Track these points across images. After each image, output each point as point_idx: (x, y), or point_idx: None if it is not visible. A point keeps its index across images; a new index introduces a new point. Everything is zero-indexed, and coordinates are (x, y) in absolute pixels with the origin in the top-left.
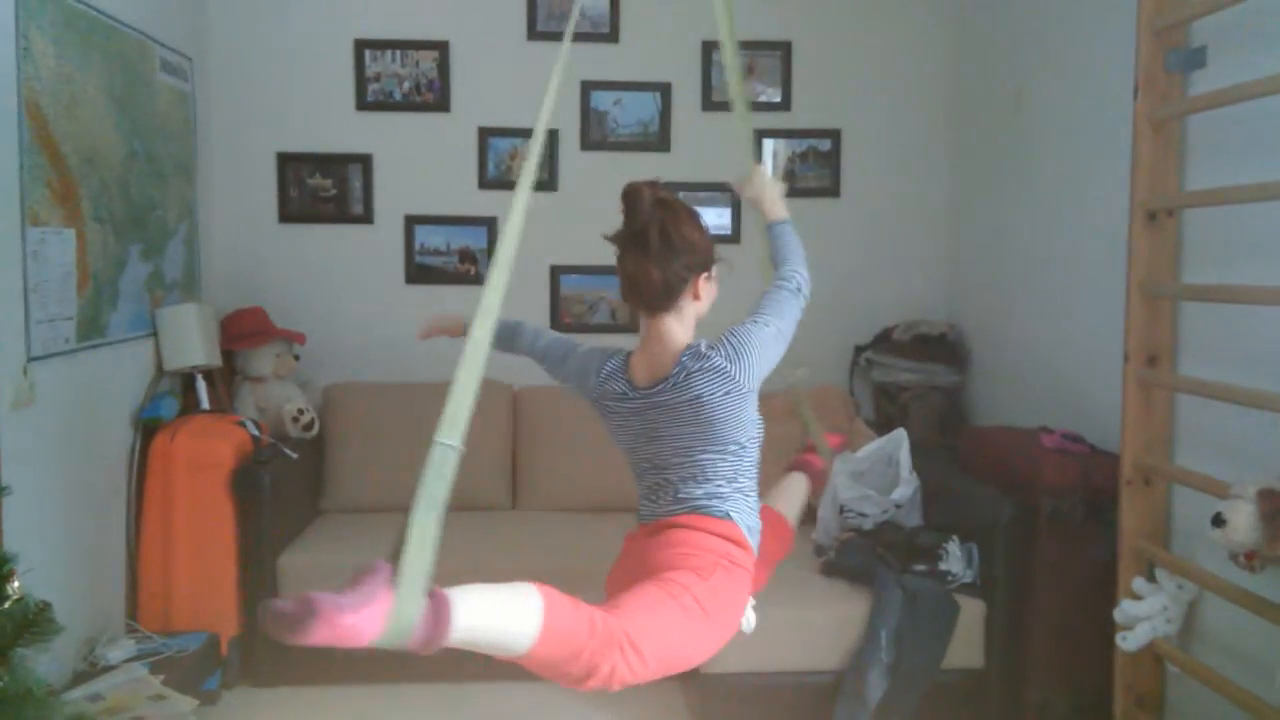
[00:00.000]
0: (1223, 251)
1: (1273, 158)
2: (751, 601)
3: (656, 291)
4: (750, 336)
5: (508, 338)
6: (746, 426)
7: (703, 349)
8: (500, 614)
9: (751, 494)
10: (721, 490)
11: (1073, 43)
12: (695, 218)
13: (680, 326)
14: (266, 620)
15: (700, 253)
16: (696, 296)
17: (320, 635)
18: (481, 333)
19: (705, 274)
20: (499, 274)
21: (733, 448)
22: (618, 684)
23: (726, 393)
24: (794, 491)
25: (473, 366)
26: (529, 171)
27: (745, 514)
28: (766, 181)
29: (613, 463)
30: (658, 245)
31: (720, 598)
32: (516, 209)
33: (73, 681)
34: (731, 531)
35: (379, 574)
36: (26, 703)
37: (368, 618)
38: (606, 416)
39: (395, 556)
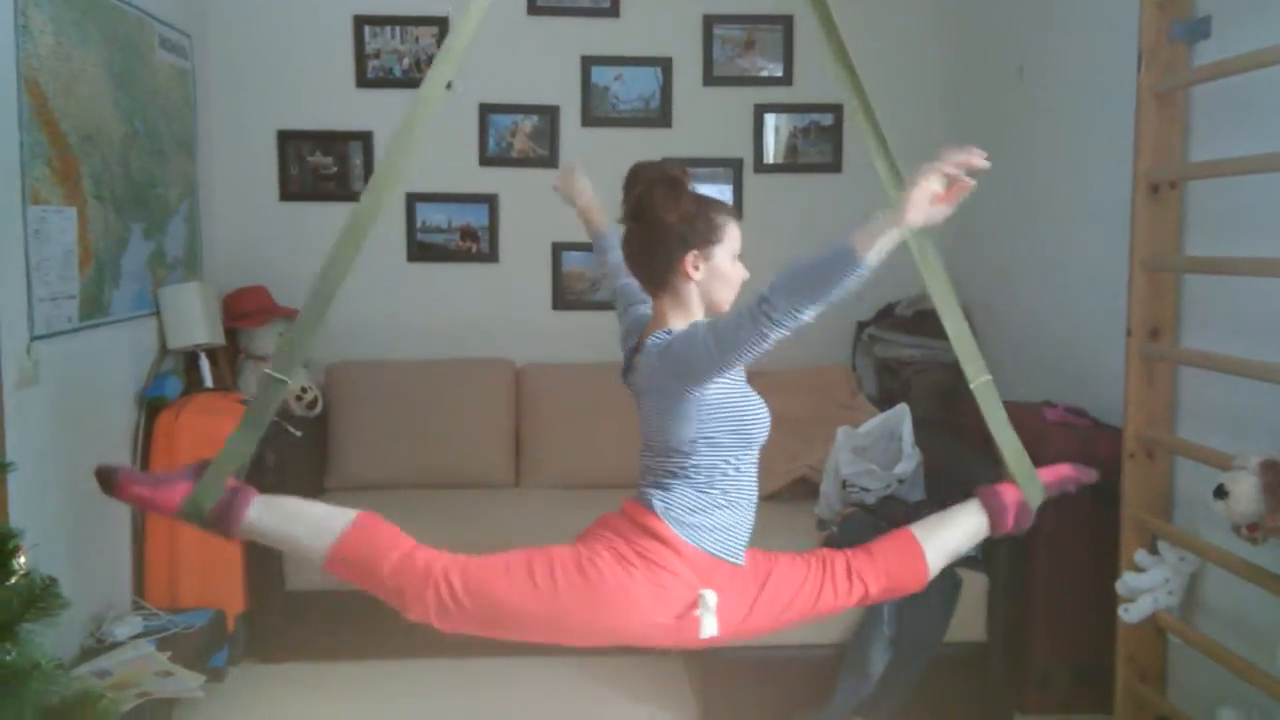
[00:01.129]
0: (1225, 224)
1: (1277, 129)
2: (708, 605)
3: (640, 272)
4: (679, 337)
5: (602, 248)
6: (684, 430)
7: (652, 341)
8: (297, 524)
9: (710, 491)
10: (665, 483)
11: (1075, 14)
12: (673, 192)
13: (677, 310)
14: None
15: (675, 230)
16: (688, 277)
17: (121, 495)
18: (327, 283)
19: (694, 252)
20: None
21: (674, 444)
22: (435, 620)
23: (653, 390)
24: (956, 526)
25: (315, 309)
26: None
27: (686, 512)
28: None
29: (615, 440)
30: (632, 224)
31: (590, 582)
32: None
33: (80, 658)
34: (653, 525)
35: (193, 467)
36: (34, 677)
37: (166, 492)
38: None
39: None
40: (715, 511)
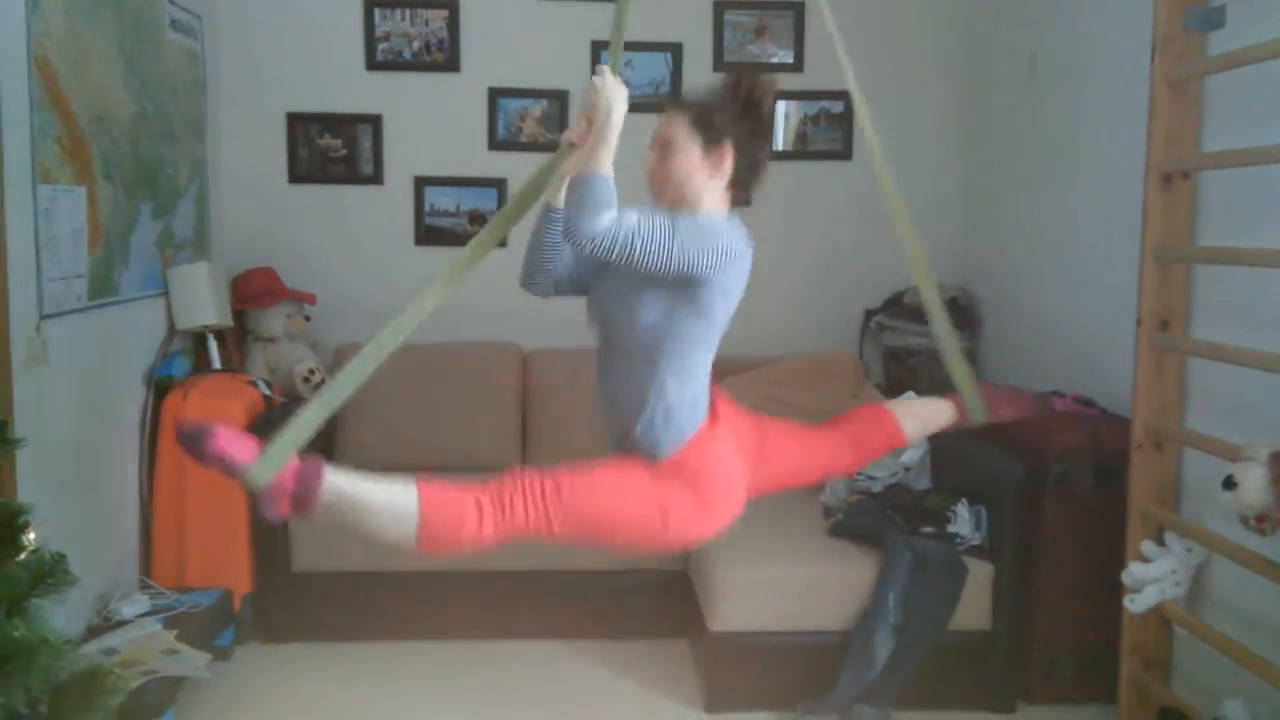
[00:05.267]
0: (1238, 214)
1: None
2: None
3: None
4: None
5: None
6: None
7: None
8: (372, 518)
9: None
10: None
11: (1088, 2)
12: None
13: None
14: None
15: None
16: None
17: (198, 450)
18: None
19: None
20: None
21: None
22: None
23: None
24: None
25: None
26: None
27: None
28: None
29: None
30: None
31: None
32: None
33: (87, 636)
34: None
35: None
36: (42, 652)
37: (240, 449)
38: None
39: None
40: None
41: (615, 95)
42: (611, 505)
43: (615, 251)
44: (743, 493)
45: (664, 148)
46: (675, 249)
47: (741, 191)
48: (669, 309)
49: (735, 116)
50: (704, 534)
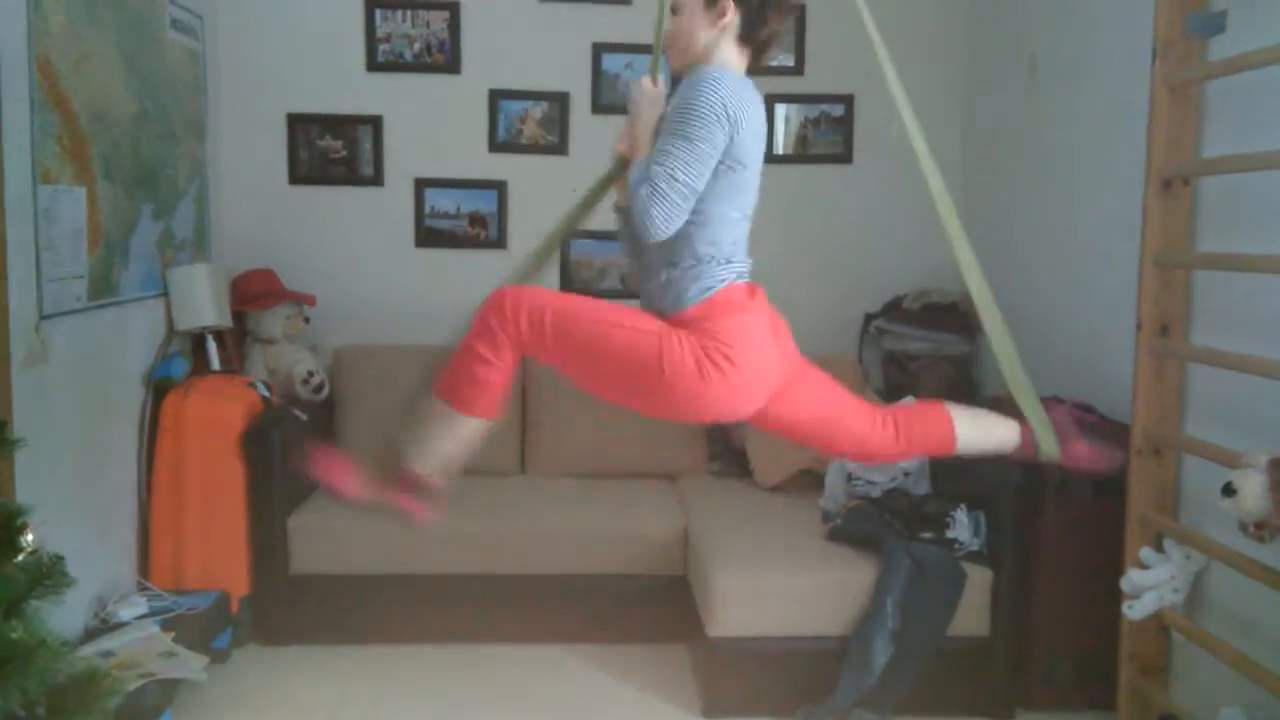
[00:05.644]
0: (1238, 220)
1: None
2: None
3: None
4: None
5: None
6: None
7: None
8: (442, 440)
9: None
10: None
11: (1089, 6)
12: None
13: None
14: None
15: None
16: None
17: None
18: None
19: None
20: None
21: None
22: None
23: None
24: (991, 416)
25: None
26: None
27: None
28: None
29: (620, 427)
30: None
31: None
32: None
33: (84, 638)
34: None
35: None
36: (40, 654)
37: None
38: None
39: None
40: None
41: (650, 99)
42: (608, 335)
43: (679, 218)
44: (760, 387)
45: (674, 8)
46: (702, 151)
47: (754, 45)
48: None
49: None
50: (699, 404)
